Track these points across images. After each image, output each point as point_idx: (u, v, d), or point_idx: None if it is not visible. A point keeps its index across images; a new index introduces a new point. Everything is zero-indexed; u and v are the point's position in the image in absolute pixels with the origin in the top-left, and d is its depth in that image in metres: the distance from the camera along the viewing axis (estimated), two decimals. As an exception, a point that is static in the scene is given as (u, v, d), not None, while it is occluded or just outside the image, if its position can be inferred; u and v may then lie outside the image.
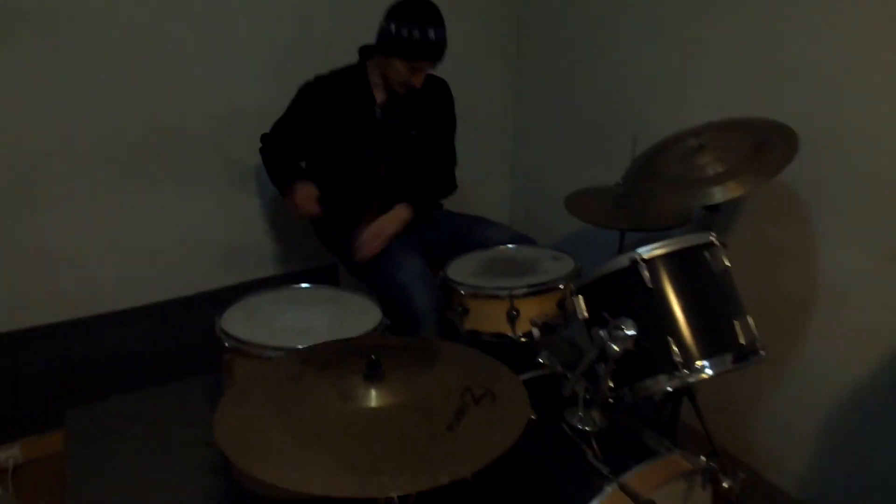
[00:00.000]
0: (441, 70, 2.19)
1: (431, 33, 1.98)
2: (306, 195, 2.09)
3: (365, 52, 2.18)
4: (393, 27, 1.98)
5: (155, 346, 2.51)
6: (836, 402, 1.91)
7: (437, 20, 1.99)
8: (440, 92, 2.30)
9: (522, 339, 1.83)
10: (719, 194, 1.57)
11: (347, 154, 2.18)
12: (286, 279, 2.50)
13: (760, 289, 2.02)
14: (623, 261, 1.44)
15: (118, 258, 2.40)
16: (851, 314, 1.85)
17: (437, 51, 2.01)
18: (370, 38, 2.10)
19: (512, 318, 1.82)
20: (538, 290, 1.82)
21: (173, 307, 2.53)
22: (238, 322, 1.72)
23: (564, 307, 1.84)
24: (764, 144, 1.62)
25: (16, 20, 2.05)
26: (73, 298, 2.36)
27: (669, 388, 1.43)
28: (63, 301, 2.35)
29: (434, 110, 2.30)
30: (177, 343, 2.54)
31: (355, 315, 1.75)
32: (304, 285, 1.98)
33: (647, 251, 1.43)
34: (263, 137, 2.27)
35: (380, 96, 2.18)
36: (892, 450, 1.79)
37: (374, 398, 1.17)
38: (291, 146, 2.23)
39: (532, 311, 1.83)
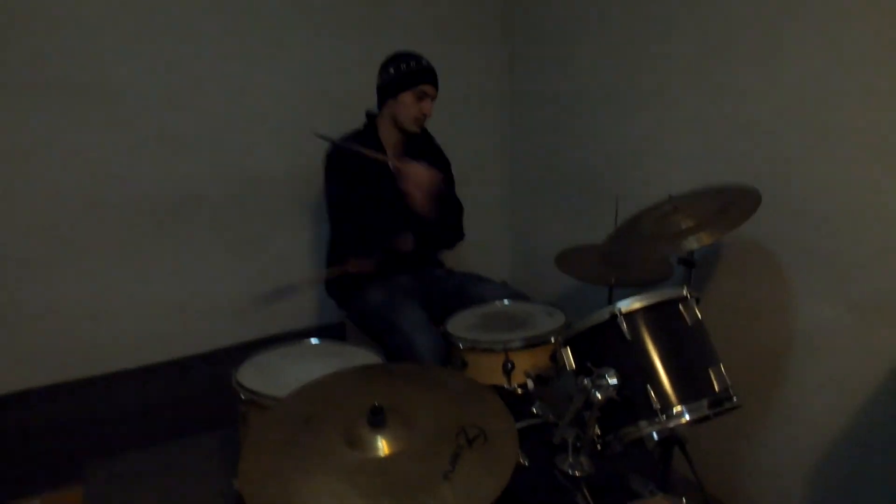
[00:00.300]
0: (442, 137, 2.39)
1: (423, 61, 2.26)
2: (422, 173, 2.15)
3: (371, 114, 2.37)
4: (391, 69, 2.24)
5: (170, 401, 2.63)
6: (819, 449, 2.00)
7: (420, 55, 2.27)
8: (434, 147, 2.50)
9: (518, 391, 1.95)
10: (692, 243, 1.71)
11: (356, 198, 2.29)
12: (296, 335, 2.65)
13: (740, 340, 2.16)
14: (604, 314, 1.58)
15: (136, 315, 2.55)
16: (824, 363, 1.96)
17: (432, 73, 2.26)
18: (374, 106, 2.30)
19: (507, 371, 1.94)
20: (532, 344, 1.95)
21: (188, 363, 2.66)
22: (252, 376, 1.85)
23: (557, 359, 1.96)
24: (730, 204, 1.77)
25: (52, 89, 2.26)
26: (93, 355, 2.50)
27: (652, 434, 1.54)
28: (83, 357, 2.48)
29: (435, 162, 2.47)
30: (192, 398, 2.65)
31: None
32: (313, 340, 2.11)
33: (626, 305, 1.56)
34: (343, 235, 2.32)
35: (393, 153, 2.36)
36: (874, 492, 1.88)
37: (378, 447, 1.28)
38: (362, 205, 2.29)
39: (526, 364, 1.95)
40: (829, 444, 1.97)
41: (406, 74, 2.23)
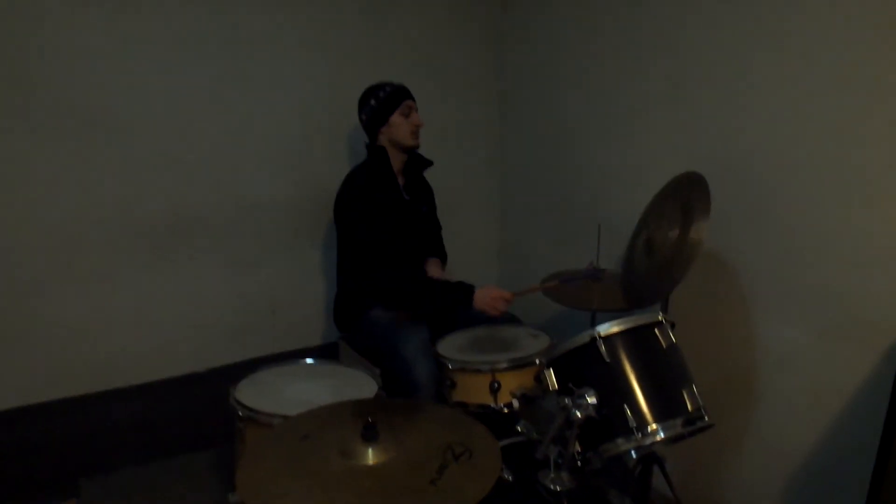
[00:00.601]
0: (436, 163, 2.51)
1: (395, 82, 2.44)
2: (496, 299, 2.26)
3: (374, 146, 2.45)
4: (372, 101, 2.41)
5: (166, 418, 2.69)
6: (792, 465, 2.10)
7: (388, 80, 2.46)
8: (423, 173, 2.63)
9: (504, 410, 2.04)
10: (693, 249, 1.81)
11: (386, 235, 2.37)
12: (291, 356, 2.74)
13: (714, 362, 2.26)
14: (584, 337, 1.67)
15: (134, 334, 2.62)
16: (794, 383, 2.06)
17: (406, 89, 2.44)
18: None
19: (494, 390, 2.04)
20: (517, 365, 2.05)
21: (184, 381, 2.72)
22: (250, 394, 1.93)
23: (541, 380, 2.05)
24: (688, 200, 1.88)
25: (64, 119, 2.36)
26: (91, 372, 2.56)
27: (630, 451, 1.63)
28: (81, 374, 2.54)
29: (428, 188, 2.67)
30: (187, 416, 2.71)
31: (354, 387, 1.96)
32: (308, 361, 2.19)
33: (604, 329, 1.66)
34: (369, 274, 2.32)
35: (401, 180, 2.49)
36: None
37: (370, 456, 1.38)
38: (387, 243, 2.34)
39: (512, 384, 2.05)
40: (802, 460, 2.07)
41: (386, 100, 2.39)
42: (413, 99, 2.44)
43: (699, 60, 2.26)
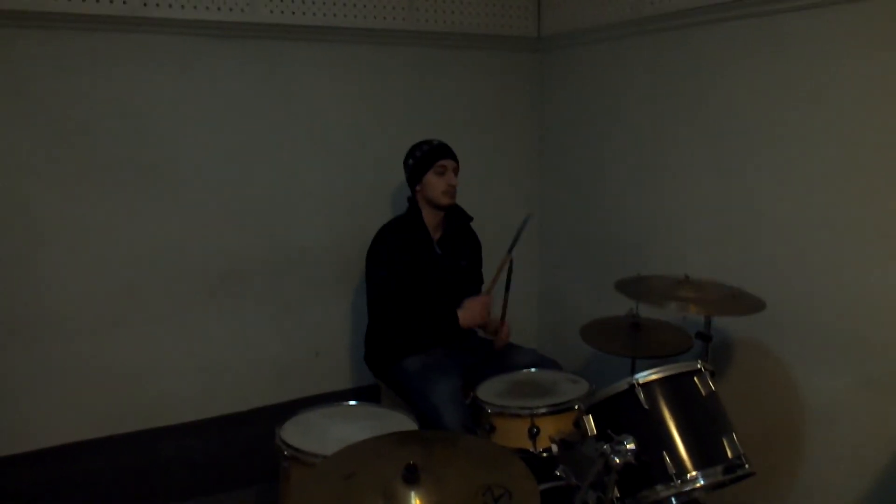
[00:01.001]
0: (477, 210, 2.58)
1: (434, 141, 2.53)
2: (475, 307, 2.44)
3: (412, 199, 2.57)
4: (410, 161, 2.53)
5: (212, 456, 2.76)
6: (838, 521, 2.06)
7: (431, 139, 2.55)
8: (470, 230, 2.71)
9: (543, 454, 2.06)
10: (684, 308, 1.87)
11: (419, 288, 2.47)
12: (333, 397, 2.80)
13: (758, 412, 2.24)
14: (623, 385, 1.70)
15: (182, 375, 2.72)
16: (840, 437, 2.04)
17: (445, 148, 2.52)
18: (408, 189, 2.53)
19: (533, 435, 2.05)
20: (556, 410, 2.07)
21: (230, 421, 2.80)
22: (294, 434, 1.98)
23: (580, 425, 2.06)
24: (738, 295, 1.91)
25: (125, 170, 2.52)
26: (140, 411, 2.66)
27: (670, 498, 1.63)
28: (131, 413, 2.64)
29: (471, 242, 2.72)
30: (232, 454, 2.78)
31: (395, 428, 1.99)
32: (351, 403, 2.24)
33: (643, 376, 1.68)
34: (384, 322, 2.47)
35: (436, 235, 2.56)
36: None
37: (412, 499, 1.41)
38: (402, 297, 2.43)
39: (551, 429, 2.06)
40: (847, 516, 2.03)
41: (422, 158, 2.49)
42: (452, 158, 2.52)
43: (731, 116, 2.32)
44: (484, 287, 2.66)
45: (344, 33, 2.79)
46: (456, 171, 2.53)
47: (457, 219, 2.62)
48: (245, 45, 2.65)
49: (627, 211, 2.85)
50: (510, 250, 2.47)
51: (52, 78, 2.38)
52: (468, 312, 2.42)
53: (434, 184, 2.48)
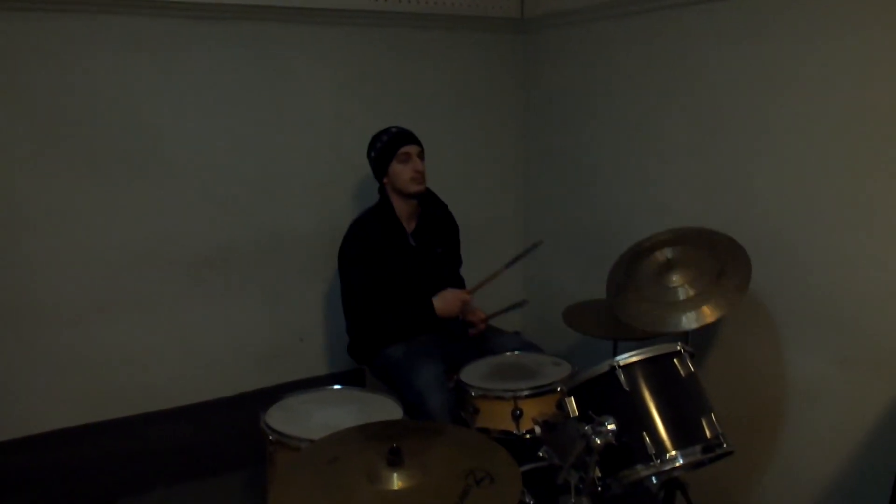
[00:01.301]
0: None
1: (393, 129, 2.47)
2: (451, 298, 2.42)
3: (381, 189, 2.54)
4: (372, 153, 2.48)
5: (199, 441, 2.77)
6: (816, 492, 2.10)
7: (390, 126, 2.48)
8: (446, 213, 2.69)
9: (526, 436, 2.08)
10: (692, 322, 1.88)
11: (394, 280, 2.46)
12: (318, 381, 2.81)
13: (739, 391, 2.28)
14: (604, 367, 1.72)
15: (168, 360, 2.72)
16: (820, 414, 2.08)
17: (407, 134, 2.46)
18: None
19: (516, 417, 2.08)
20: (539, 392, 2.09)
21: (217, 406, 2.81)
22: (279, 419, 1.99)
23: (563, 407, 2.09)
24: (724, 270, 1.93)
25: (111, 157, 2.51)
26: (127, 396, 2.66)
27: (650, 477, 1.66)
28: (118, 399, 2.64)
29: (447, 228, 2.70)
30: (218, 439, 2.79)
31: (380, 412, 2.02)
32: (335, 387, 2.25)
33: (624, 358, 1.70)
34: (358, 321, 2.48)
35: (409, 226, 2.53)
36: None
37: (395, 481, 1.43)
38: (376, 290, 2.42)
39: (534, 411, 2.09)
40: (824, 489, 2.07)
41: (383, 149, 2.44)
42: (414, 142, 2.45)
43: (718, 98, 2.32)
44: (468, 286, 2.63)
45: (328, 15, 2.76)
46: (421, 155, 2.47)
47: (431, 207, 2.58)
48: (228, 28, 2.62)
49: (612, 194, 2.86)
50: (508, 266, 2.44)
51: (33, 63, 2.34)
52: (444, 303, 2.40)
53: (400, 172, 2.42)
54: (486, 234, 3.25)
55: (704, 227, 2.16)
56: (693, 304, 1.93)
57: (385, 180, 2.48)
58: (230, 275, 2.78)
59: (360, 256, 2.41)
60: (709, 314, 1.90)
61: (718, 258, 1.99)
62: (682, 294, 1.96)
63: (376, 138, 2.48)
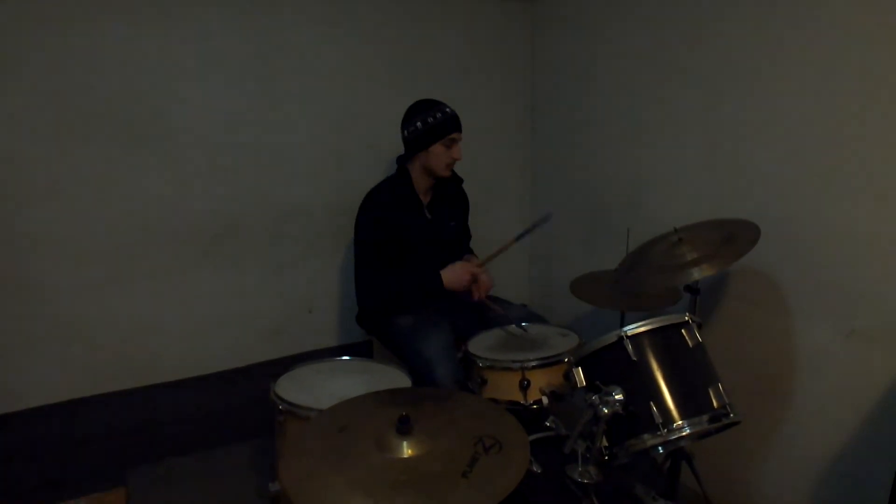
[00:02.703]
0: (468, 170, 2.56)
1: (447, 109, 2.39)
2: (459, 271, 2.36)
3: (403, 160, 2.52)
4: (418, 123, 2.37)
5: (210, 411, 2.80)
6: (821, 465, 2.12)
7: (440, 102, 2.41)
8: (459, 188, 2.68)
9: (533, 406, 2.10)
10: (696, 274, 1.86)
11: (407, 252, 2.46)
12: (327, 352, 2.83)
13: (745, 362, 2.28)
14: (612, 337, 1.73)
15: (179, 332, 2.74)
16: (825, 385, 2.08)
17: (457, 119, 2.40)
18: (401, 144, 2.48)
19: (524, 388, 2.09)
20: (546, 363, 2.10)
21: (227, 377, 2.84)
22: (289, 389, 2.02)
23: (570, 378, 2.10)
24: (732, 237, 1.92)
25: (116, 128, 2.49)
26: (138, 368, 2.68)
27: (657, 447, 1.68)
28: (129, 370, 2.67)
29: (460, 201, 2.70)
30: (228, 409, 2.83)
31: (389, 382, 2.04)
32: (344, 357, 2.28)
33: (631, 329, 1.71)
34: (368, 290, 2.43)
35: (425, 199, 2.52)
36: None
37: (405, 449, 1.45)
38: (389, 260, 2.41)
39: (541, 381, 2.10)
40: (830, 460, 2.08)
41: (434, 127, 2.35)
42: (460, 130, 2.41)
43: (729, 72, 2.28)
44: (478, 258, 2.62)
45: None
46: (460, 141, 2.43)
47: (447, 181, 2.55)
48: (232, -2, 2.59)
49: (619, 165, 2.85)
50: (518, 238, 2.36)
51: (38, 33, 2.32)
52: (453, 276, 2.36)
53: (440, 155, 2.38)
54: (493, 205, 3.24)
55: (713, 219, 2.14)
56: (698, 262, 1.91)
57: (419, 154, 2.42)
58: (238, 246, 2.79)
59: (375, 224, 2.39)
60: (709, 269, 1.87)
61: (726, 230, 1.99)
62: (689, 256, 1.95)
63: (427, 111, 2.37)
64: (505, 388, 2.12)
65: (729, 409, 1.68)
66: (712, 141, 2.37)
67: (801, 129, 2.06)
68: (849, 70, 1.91)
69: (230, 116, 2.68)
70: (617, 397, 1.63)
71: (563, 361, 2.10)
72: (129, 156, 2.53)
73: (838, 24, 1.93)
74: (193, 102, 2.60)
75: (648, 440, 1.65)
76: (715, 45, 2.32)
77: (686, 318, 1.75)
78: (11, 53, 2.30)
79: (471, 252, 2.78)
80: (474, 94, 3.17)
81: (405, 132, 2.43)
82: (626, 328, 1.71)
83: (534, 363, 2.09)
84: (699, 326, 1.77)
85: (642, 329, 1.71)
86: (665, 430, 1.63)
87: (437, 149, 2.38)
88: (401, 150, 2.53)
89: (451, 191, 2.61)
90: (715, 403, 1.67)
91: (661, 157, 2.61)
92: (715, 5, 2.30)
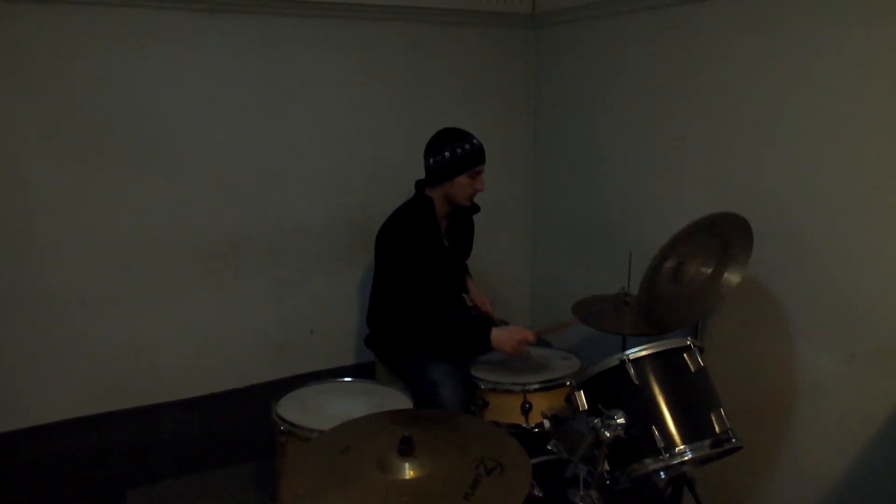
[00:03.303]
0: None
1: (475, 140, 2.36)
2: (520, 341, 2.18)
3: (423, 185, 2.45)
4: (447, 153, 2.31)
5: (210, 432, 2.79)
6: (823, 489, 2.10)
7: (468, 133, 2.38)
8: (469, 217, 2.65)
9: (535, 429, 2.10)
10: (728, 286, 1.88)
11: (423, 284, 2.36)
12: (329, 373, 2.83)
13: (747, 387, 2.28)
14: (614, 360, 1.73)
15: (180, 351, 2.74)
16: (824, 409, 2.08)
17: (483, 152, 2.37)
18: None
19: (525, 411, 2.09)
20: (548, 387, 2.11)
21: (228, 397, 2.83)
22: (290, 409, 2.02)
23: (572, 401, 2.10)
24: (728, 241, 1.93)
25: (120, 147, 2.52)
26: (139, 387, 2.68)
27: (659, 472, 1.67)
28: (130, 389, 2.67)
29: (469, 228, 2.68)
30: (229, 430, 2.81)
31: (390, 404, 2.04)
32: (346, 379, 2.28)
33: (634, 353, 1.72)
34: (401, 326, 2.31)
35: (443, 226, 2.49)
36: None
37: (406, 470, 1.45)
38: (427, 293, 2.32)
39: (543, 405, 2.10)
40: (832, 485, 2.07)
41: (462, 158, 2.30)
42: (485, 161, 2.37)
43: (726, 92, 2.31)
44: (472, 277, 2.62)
45: (339, 9, 2.77)
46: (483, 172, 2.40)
47: (467, 210, 2.50)
48: (240, 21, 2.63)
49: (621, 188, 2.87)
50: (584, 320, 2.28)
51: (49, 53, 2.36)
52: (505, 340, 2.19)
53: (464, 186, 2.33)
54: (495, 228, 3.25)
55: (690, 222, 2.13)
56: (715, 279, 1.93)
57: (443, 183, 2.36)
58: (241, 266, 2.80)
59: (412, 254, 2.30)
60: (734, 280, 1.91)
61: (718, 233, 2.00)
62: (702, 278, 1.96)
63: (456, 142, 2.32)
64: (507, 411, 2.13)
65: (731, 434, 1.68)
66: (715, 164, 2.39)
67: (806, 151, 2.07)
68: (853, 90, 1.92)
69: (237, 137, 2.71)
70: (619, 421, 1.63)
71: (564, 385, 2.11)
72: (135, 174, 2.56)
73: (842, 40, 1.94)
74: (199, 122, 2.63)
75: (650, 465, 1.65)
76: (716, 68, 2.35)
77: (688, 343, 1.76)
78: (21, 75, 2.34)
79: (466, 271, 2.78)
80: (477, 118, 3.19)
81: (430, 160, 2.36)
82: (628, 352, 1.72)
83: (535, 386, 2.10)
84: (701, 351, 1.78)
85: (644, 353, 1.72)
86: (667, 455, 1.63)
87: (462, 179, 2.33)
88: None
89: (466, 219, 2.59)
90: (717, 428, 1.67)
91: (663, 181, 2.63)
92: (715, 28, 2.33)
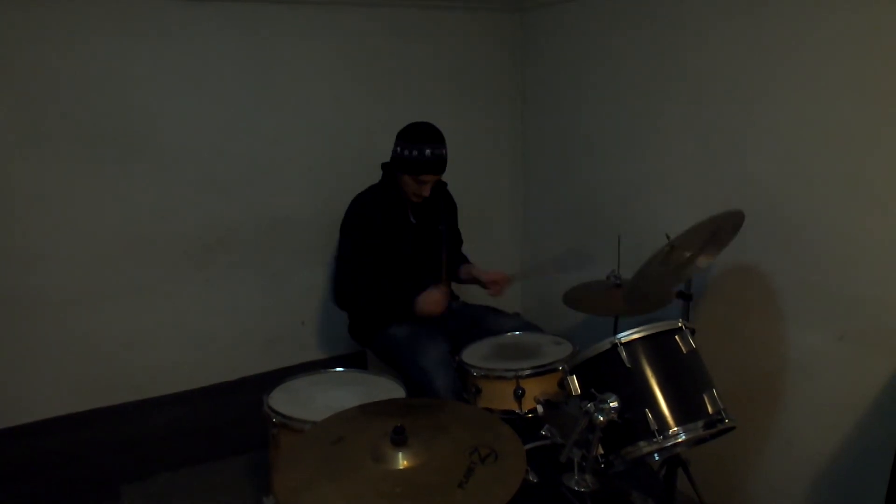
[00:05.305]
0: (461, 177, 2.56)
1: (428, 152, 2.36)
2: (436, 300, 2.37)
3: (387, 167, 2.54)
4: (398, 149, 2.40)
5: (201, 426, 2.78)
6: (815, 469, 2.12)
7: (435, 139, 2.38)
8: (444, 192, 2.68)
9: (528, 415, 2.09)
10: (691, 271, 1.89)
11: (392, 255, 2.49)
12: (321, 364, 2.82)
13: (738, 367, 2.29)
14: (605, 344, 1.73)
15: (170, 345, 2.73)
16: (818, 389, 2.09)
17: (435, 165, 2.38)
18: (391, 154, 2.48)
19: (518, 397, 2.09)
20: (541, 372, 2.10)
21: (219, 390, 2.82)
22: (283, 401, 2.00)
23: (564, 386, 2.10)
24: (719, 229, 1.93)
25: (105, 139, 2.49)
26: (130, 382, 2.67)
27: (653, 454, 1.68)
28: (121, 384, 2.66)
29: (447, 205, 2.70)
30: (221, 423, 2.80)
31: (383, 393, 2.03)
32: (337, 369, 2.26)
33: (625, 336, 1.71)
34: (340, 288, 2.49)
35: (411, 203, 2.53)
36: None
37: (400, 460, 1.44)
38: (369, 265, 2.45)
39: (536, 390, 2.10)
40: (824, 464, 2.09)
41: (408, 162, 2.37)
42: (438, 173, 2.41)
43: (714, 75, 2.30)
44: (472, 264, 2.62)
45: (321, -5, 2.74)
46: (434, 181, 2.44)
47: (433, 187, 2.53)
48: (223, 10, 2.59)
49: (610, 172, 2.86)
50: (524, 278, 2.34)
51: (27, 47, 2.32)
52: (426, 305, 2.36)
53: (409, 184, 2.42)
54: (485, 212, 3.24)
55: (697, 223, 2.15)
56: (692, 259, 1.95)
57: (396, 173, 2.46)
58: (230, 259, 2.78)
59: (356, 227, 2.44)
60: (704, 261, 1.94)
61: (714, 225, 2.00)
62: (683, 258, 1.96)
63: (409, 143, 2.37)
64: (499, 397, 2.12)
65: (723, 415, 1.68)
66: (703, 147, 2.39)
67: (793, 133, 2.07)
68: (844, 72, 1.92)
69: (222, 129, 2.68)
70: (612, 405, 1.63)
71: (557, 370, 2.10)
72: (122, 168, 2.53)
73: (833, 21, 1.93)
74: (185, 115, 2.60)
75: (644, 447, 1.65)
76: (704, 50, 2.34)
77: (679, 325, 1.76)
78: (2, 69, 2.30)
79: (463, 258, 2.78)
80: (465, 103, 3.18)
81: (394, 145, 2.44)
82: (619, 335, 1.72)
83: (528, 372, 2.09)
84: (692, 332, 1.78)
85: (636, 336, 1.71)
86: (661, 437, 1.63)
87: (406, 179, 2.42)
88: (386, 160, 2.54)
89: (436, 195, 2.59)
90: (710, 409, 1.68)
91: (651, 165, 2.63)
92: (703, 9, 2.32)
